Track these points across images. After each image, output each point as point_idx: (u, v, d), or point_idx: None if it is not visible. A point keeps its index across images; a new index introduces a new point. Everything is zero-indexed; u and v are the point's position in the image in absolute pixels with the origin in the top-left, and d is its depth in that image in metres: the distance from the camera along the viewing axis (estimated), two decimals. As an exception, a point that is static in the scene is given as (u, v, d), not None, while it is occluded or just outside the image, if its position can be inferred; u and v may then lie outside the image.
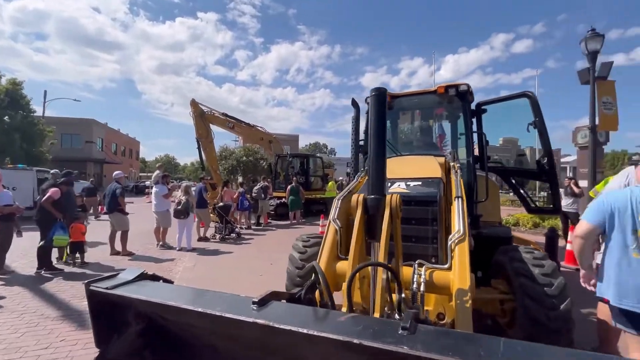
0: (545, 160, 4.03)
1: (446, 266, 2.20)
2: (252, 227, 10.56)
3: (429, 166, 3.25)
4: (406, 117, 5.06)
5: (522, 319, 2.38)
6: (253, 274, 5.38)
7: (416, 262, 2.20)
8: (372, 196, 1.97)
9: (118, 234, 6.67)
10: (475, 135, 4.20)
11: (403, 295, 1.46)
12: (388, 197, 2.05)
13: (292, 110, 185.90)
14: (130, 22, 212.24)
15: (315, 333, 1.05)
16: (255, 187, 11.34)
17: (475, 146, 4.10)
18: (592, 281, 2.09)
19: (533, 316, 2.29)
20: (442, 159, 3.72)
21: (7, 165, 14.37)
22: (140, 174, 47.60)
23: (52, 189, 5.22)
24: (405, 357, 0.90)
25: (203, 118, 11.92)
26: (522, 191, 4.36)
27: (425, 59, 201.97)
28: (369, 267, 1.79)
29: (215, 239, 8.57)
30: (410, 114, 5.02)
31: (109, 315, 1.66)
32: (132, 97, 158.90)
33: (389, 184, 2.94)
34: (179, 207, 7.05)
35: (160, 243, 7.36)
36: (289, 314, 1.28)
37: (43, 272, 5.24)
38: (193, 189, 8.47)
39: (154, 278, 1.77)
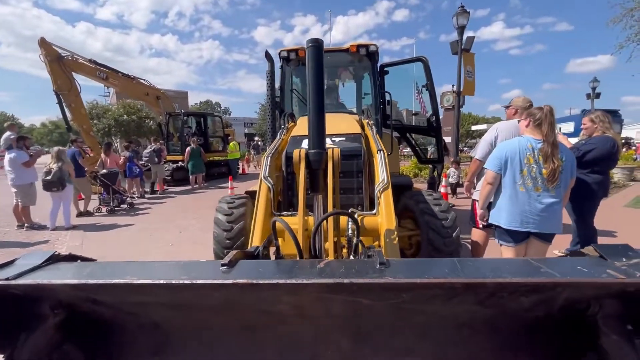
0: (434, 119, 4.76)
1: (373, 212, 2.47)
2: (146, 195, 9.38)
3: (348, 123, 3.45)
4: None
5: (426, 248, 2.93)
6: (161, 245, 4.91)
7: (349, 210, 2.41)
8: (315, 150, 2.02)
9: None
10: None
11: (360, 239, 1.60)
12: (329, 151, 2.13)
13: (175, 63, 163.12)
14: None
15: (305, 281, 1.08)
16: (147, 151, 9.91)
17: None
18: (485, 217, 2.68)
19: (434, 245, 2.85)
20: (356, 117, 3.99)
21: None
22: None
23: None
24: (395, 286, 1.04)
25: (61, 64, 9.41)
26: (415, 146, 5.08)
27: (318, 17, 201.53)
28: (311, 219, 1.90)
29: (100, 212, 7.32)
30: (326, 71, 5.08)
31: (11, 312, 1.32)
32: None
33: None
34: (49, 177, 5.64)
35: (25, 224, 5.87)
36: (265, 270, 1.26)
37: None
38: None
39: (71, 258, 1.46)
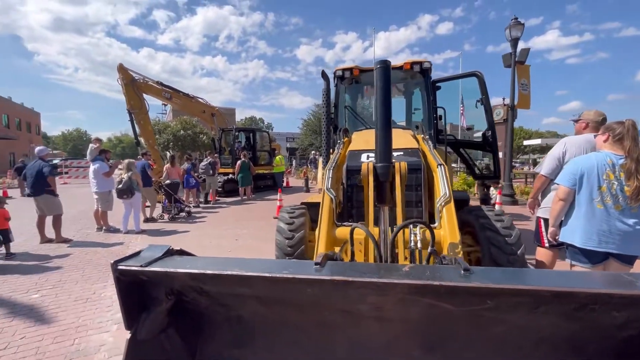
0: (490, 134, 4.65)
1: (435, 225, 2.50)
2: (201, 205, 10.07)
3: (405, 138, 3.53)
4: (366, 91, 5.27)
5: (488, 265, 2.86)
6: (220, 251, 5.26)
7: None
8: (382, 164, 2.14)
9: (48, 220, 5.81)
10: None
11: (434, 248, 1.66)
12: (397, 164, 2.24)
13: (223, 82, 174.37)
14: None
15: (395, 281, 1.18)
16: (203, 163, 10.70)
17: None
18: (556, 235, 2.58)
19: (497, 262, 2.78)
20: (410, 132, 4.05)
21: None
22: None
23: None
24: (482, 291, 1.10)
25: (135, 86, 10.62)
26: (470, 161, 4.98)
27: (359, 34, 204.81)
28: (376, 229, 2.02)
29: (163, 219, 8.00)
30: (371, 88, 5.25)
31: (137, 295, 1.58)
32: (20, 57, 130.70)
33: (372, 154, 3.15)
34: (121, 185, 6.36)
35: (103, 227, 6.63)
36: (353, 271, 1.38)
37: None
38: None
39: (182, 253, 1.71)
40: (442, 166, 2.81)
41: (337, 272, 1.30)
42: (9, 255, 4.91)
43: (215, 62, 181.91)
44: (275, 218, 7.98)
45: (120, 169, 6.75)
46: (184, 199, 9.50)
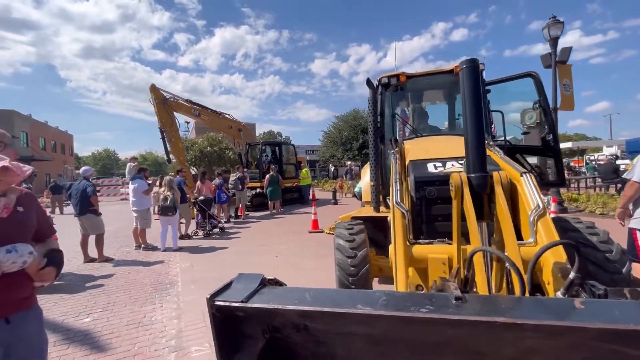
0: (551, 137, 4.30)
1: (531, 241, 2.21)
2: (232, 220, 10.02)
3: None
4: (417, 97, 5.04)
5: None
6: (263, 269, 5.06)
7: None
8: (479, 174, 1.90)
9: (91, 239, 5.85)
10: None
11: (577, 274, 1.38)
12: (495, 174, 1.99)
13: (241, 98, 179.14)
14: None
15: (580, 324, 0.93)
16: (232, 178, 10.72)
17: None
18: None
19: (600, 281, 2.43)
20: None
21: None
22: (76, 171, 42.45)
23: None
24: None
25: (166, 105, 10.89)
26: (529, 166, 4.62)
27: (372, 45, 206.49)
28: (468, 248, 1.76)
29: (197, 235, 7.97)
30: (422, 94, 5.02)
31: (232, 331, 1.39)
32: (53, 84, 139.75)
33: (440, 164, 2.90)
34: (167, 203, 6.36)
35: (142, 245, 6.63)
36: (499, 307, 1.14)
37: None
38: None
39: (275, 282, 1.52)
40: (526, 174, 2.52)
41: (491, 310, 1.07)
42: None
43: (233, 80, 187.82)
44: (312, 232, 7.81)
45: (157, 187, 6.79)
46: (216, 214, 9.49)
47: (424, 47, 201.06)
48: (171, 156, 11.08)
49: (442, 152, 3.10)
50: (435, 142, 3.63)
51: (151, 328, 3.27)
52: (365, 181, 5.25)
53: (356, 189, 10.52)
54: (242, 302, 1.27)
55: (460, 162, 2.87)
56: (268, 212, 11.38)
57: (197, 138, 19.75)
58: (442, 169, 2.79)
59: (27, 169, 1.38)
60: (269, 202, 11.18)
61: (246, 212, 11.12)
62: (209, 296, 1.29)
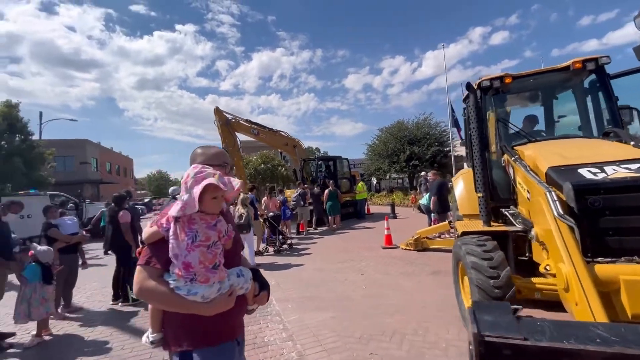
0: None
1: None
2: (295, 236, 10.00)
3: (624, 149, 2.85)
4: (531, 98, 4.68)
5: None
6: (355, 288, 4.85)
7: None
8: None
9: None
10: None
11: None
12: None
13: (277, 117, 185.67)
14: (106, 39, 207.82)
15: None
16: (294, 195, 10.79)
17: None
18: None
19: None
20: (617, 142, 3.30)
21: (20, 192, 13.37)
22: (138, 192, 46.06)
23: (123, 213, 4.58)
24: None
25: (229, 126, 11.39)
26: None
27: (406, 56, 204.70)
28: None
29: (268, 252, 8.00)
30: (527, 95, 4.64)
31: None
32: (114, 115, 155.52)
33: (596, 169, 2.52)
34: (242, 220, 6.46)
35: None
36: None
37: (120, 304, 4.61)
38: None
39: (514, 311, 1.30)
40: None
41: None
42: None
43: (270, 100, 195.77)
44: (385, 248, 7.49)
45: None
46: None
47: (461, 53, 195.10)
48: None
49: (591, 156, 2.72)
50: (569, 146, 3.23)
51: (268, 350, 3.17)
52: (459, 192, 4.90)
53: (422, 201, 10.05)
54: (524, 339, 1.06)
55: (626, 165, 2.48)
56: (326, 228, 11.24)
57: (251, 156, 20.52)
58: (603, 175, 2.42)
59: (237, 182, 1.30)
60: (330, 217, 11.05)
61: (308, 228, 11.07)
62: (476, 331, 1.10)
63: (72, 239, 4.37)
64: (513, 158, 3.44)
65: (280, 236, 8.22)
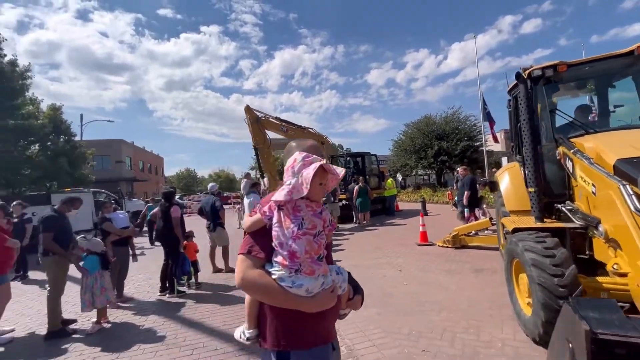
0: None
1: None
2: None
3: None
4: (583, 87, 4.41)
5: None
6: (395, 284, 4.79)
7: None
8: None
9: (217, 250, 6.25)
10: None
11: None
12: None
13: (300, 115, 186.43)
14: (136, 43, 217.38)
15: None
16: (324, 191, 10.82)
17: None
18: None
19: None
20: None
21: (65, 189, 14.29)
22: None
23: (174, 208, 4.79)
24: None
25: (259, 124, 11.55)
26: None
27: (431, 49, 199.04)
28: None
29: (301, 247, 8.06)
30: (583, 83, 4.37)
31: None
32: (144, 115, 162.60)
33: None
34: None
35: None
36: None
37: (167, 296, 4.83)
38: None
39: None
40: None
41: None
42: (197, 285, 5.30)
43: (292, 98, 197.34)
44: (421, 245, 7.35)
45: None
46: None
47: (489, 44, 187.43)
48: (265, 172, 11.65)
49: None
50: (637, 137, 3.01)
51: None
52: (506, 188, 4.71)
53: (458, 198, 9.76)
54: (641, 337, 1.00)
55: None
56: (355, 224, 11.19)
57: (278, 153, 20.81)
58: None
59: (341, 170, 1.19)
60: (360, 214, 10.99)
61: (337, 225, 11.07)
62: (588, 328, 1.05)
63: (124, 232, 4.62)
64: (572, 151, 3.25)
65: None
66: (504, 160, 17.72)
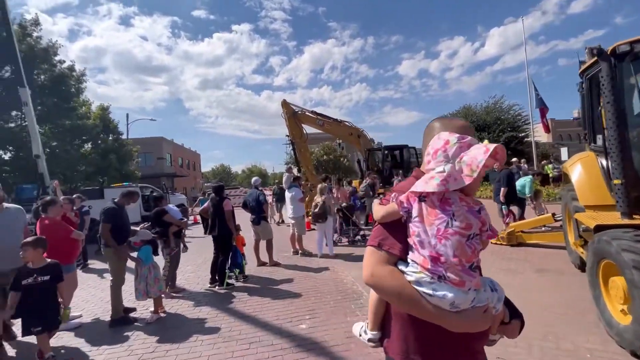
0: None
1: None
2: (363, 227, 9.83)
3: None
4: None
5: None
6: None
7: None
8: None
9: (262, 244, 6.28)
10: None
11: None
12: None
13: (329, 109, 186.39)
14: (173, 45, 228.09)
15: None
16: (362, 185, 10.60)
17: None
18: None
19: None
20: None
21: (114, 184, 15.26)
22: (206, 184, 49.83)
23: (227, 201, 4.87)
24: None
25: (296, 118, 11.53)
26: None
27: (466, 37, 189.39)
28: None
29: (341, 242, 7.95)
30: None
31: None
32: (181, 114, 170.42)
33: None
34: (317, 210, 6.47)
35: (300, 251, 6.87)
36: None
37: (217, 288, 4.91)
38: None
39: None
40: None
41: None
42: (245, 277, 5.35)
43: (322, 92, 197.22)
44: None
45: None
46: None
47: (532, 27, 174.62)
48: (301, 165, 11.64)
49: None
50: None
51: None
52: (578, 180, 4.24)
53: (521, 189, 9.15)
54: None
55: None
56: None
57: (314, 147, 20.90)
58: None
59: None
60: (399, 208, 10.64)
61: (373, 220, 10.82)
62: None
63: (182, 223, 4.76)
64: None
65: (355, 227, 8.11)
66: (564, 150, 16.28)
